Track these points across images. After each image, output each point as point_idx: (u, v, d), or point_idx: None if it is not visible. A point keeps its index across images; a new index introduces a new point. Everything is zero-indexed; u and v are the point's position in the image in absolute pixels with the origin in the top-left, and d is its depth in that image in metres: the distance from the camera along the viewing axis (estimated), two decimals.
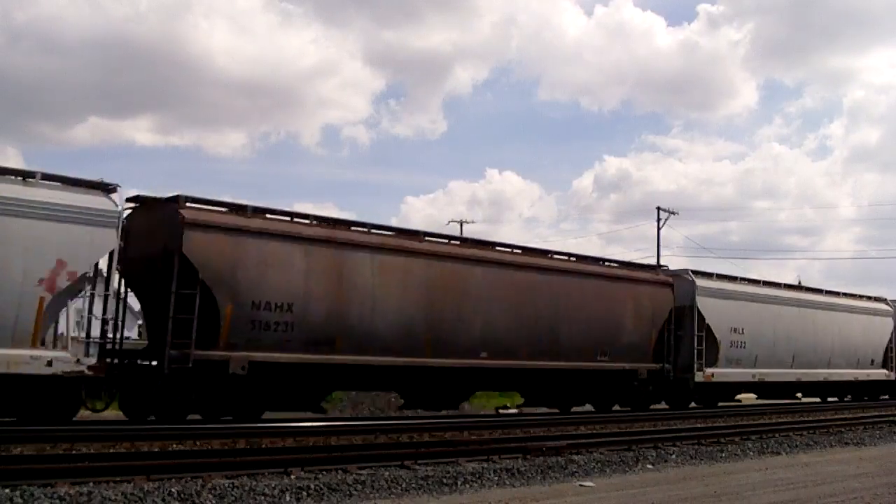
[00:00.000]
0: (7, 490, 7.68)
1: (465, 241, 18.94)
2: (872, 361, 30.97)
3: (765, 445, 14.67)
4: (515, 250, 19.71)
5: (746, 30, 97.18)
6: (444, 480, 9.69)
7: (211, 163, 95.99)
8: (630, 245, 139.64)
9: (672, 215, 48.87)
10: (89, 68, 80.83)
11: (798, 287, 29.17)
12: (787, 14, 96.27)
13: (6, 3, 73.94)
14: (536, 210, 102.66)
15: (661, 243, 48.77)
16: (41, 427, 12.51)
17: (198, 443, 12.28)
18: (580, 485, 10.09)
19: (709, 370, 23.19)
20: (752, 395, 29.31)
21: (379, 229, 17.14)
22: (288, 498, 8.44)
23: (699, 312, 23.16)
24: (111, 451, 11.11)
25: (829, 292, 30.28)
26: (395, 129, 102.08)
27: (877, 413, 23.21)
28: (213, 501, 8.10)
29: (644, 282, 22.18)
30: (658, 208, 48.78)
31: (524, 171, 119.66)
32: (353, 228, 16.55)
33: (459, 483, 9.69)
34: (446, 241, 18.57)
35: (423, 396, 18.44)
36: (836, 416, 21.40)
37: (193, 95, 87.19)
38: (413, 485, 9.39)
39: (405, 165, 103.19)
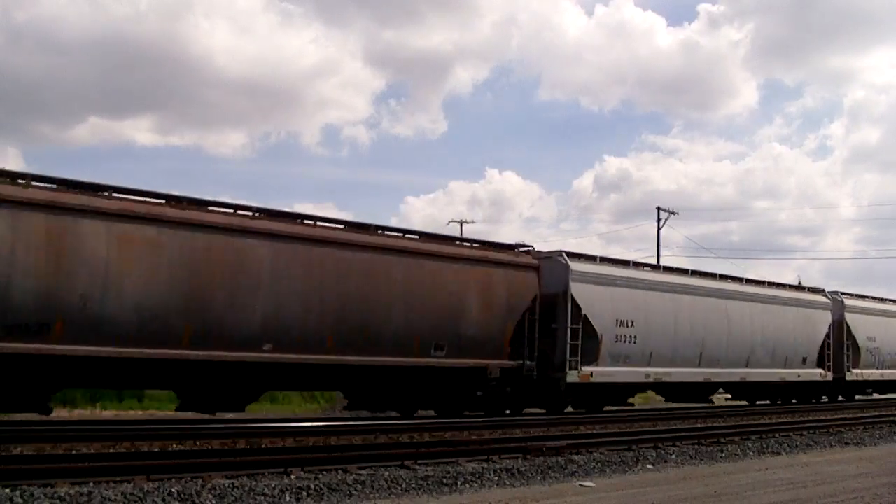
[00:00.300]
0: (7, 490, 7.68)
1: (251, 211, 15.29)
2: (805, 360, 27.50)
3: (765, 445, 14.67)
4: (322, 223, 16.29)
5: (747, 29, 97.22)
6: (444, 480, 9.69)
7: (211, 163, 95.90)
8: (630, 245, 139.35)
9: (672, 215, 48.92)
10: (89, 68, 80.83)
11: (709, 274, 25.38)
12: (788, 14, 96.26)
13: (6, 2, 73.96)
14: (536, 210, 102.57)
15: (662, 243, 48.69)
16: (41, 427, 12.51)
17: (198, 443, 12.30)
18: (580, 485, 10.09)
19: (587, 369, 19.82)
20: (661, 398, 26.19)
21: (125, 193, 13.92)
22: (288, 498, 8.44)
23: (574, 301, 19.72)
24: (111, 451, 11.12)
25: (750, 281, 26.86)
26: (395, 129, 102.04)
27: (877, 413, 23.22)
28: (213, 501, 8.10)
29: (498, 263, 18.59)
30: (658, 208, 48.83)
31: (524, 171, 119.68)
32: (99, 194, 13.64)
33: (459, 483, 9.70)
34: (231, 210, 15.14)
35: (195, 396, 15.18)
36: (836, 416, 21.40)
37: (194, 95, 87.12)
38: (413, 485, 9.39)
39: (405, 165, 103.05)
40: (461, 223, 52.49)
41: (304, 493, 8.62)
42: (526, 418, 18.84)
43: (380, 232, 17.10)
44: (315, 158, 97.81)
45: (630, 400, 22.86)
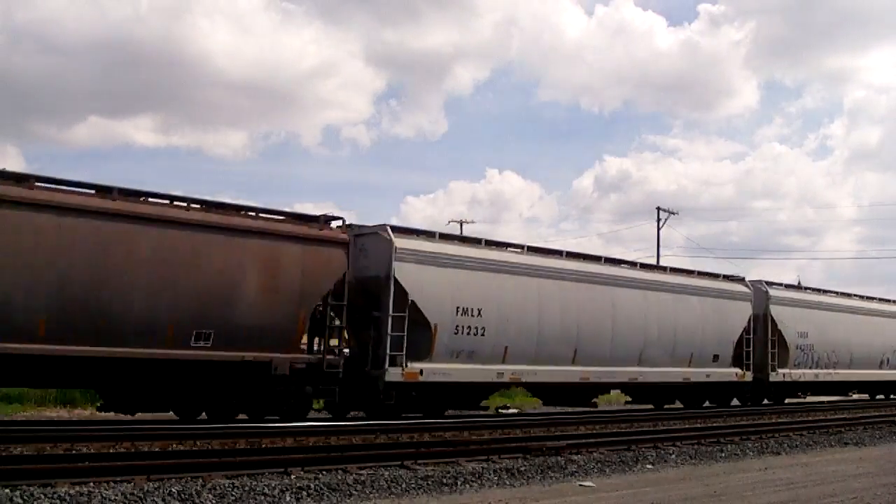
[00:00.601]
0: (7, 490, 7.69)
1: None
2: (716, 357, 23.83)
3: (765, 445, 14.68)
4: (42, 184, 13.13)
5: (747, 29, 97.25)
6: (444, 480, 9.70)
7: (211, 163, 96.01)
8: (630, 245, 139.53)
9: (672, 215, 48.98)
10: (90, 68, 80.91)
11: (591, 257, 21.91)
12: (788, 14, 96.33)
13: (7, 3, 74.02)
14: (536, 210, 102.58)
15: (662, 244, 48.70)
16: (41, 427, 12.51)
17: (198, 443, 12.29)
18: (580, 485, 10.09)
19: (415, 365, 16.71)
20: (539, 401, 22.33)
21: None
22: (288, 498, 8.44)
23: (398, 284, 16.60)
24: (111, 451, 11.12)
25: (646, 266, 23.58)
26: (395, 129, 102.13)
27: (877, 413, 23.22)
28: (213, 501, 8.11)
29: (288, 237, 15.38)
30: (658, 208, 48.86)
31: (524, 171, 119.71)
32: None
33: (459, 483, 9.70)
34: None
35: None
36: (837, 416, 21.42)
37: (194, 95, 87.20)
38: (413, 485, 9.40)
39: (405, 165, 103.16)
40: (461, 223, 52.41)
41: (304, 493, 8.63)
42: (526, 418, 18.83)
43: (143, 198, 14.20)
44: (315, 158, 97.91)
45: (485, 403, 19.56)
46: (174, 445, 11.95)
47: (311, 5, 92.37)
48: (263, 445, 12.14)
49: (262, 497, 8.36)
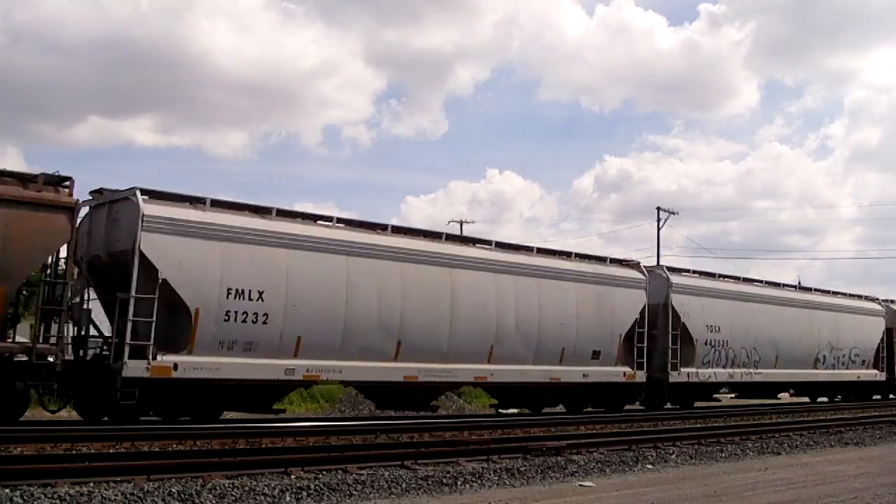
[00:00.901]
0: (7, 490, 7.69)
1: None
2: (596, 354, 20.32)
3: (765, 445, 14.68)
4: None
5: (748, 29, 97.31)
6: (444, 480, 9.70)
7: (212, 163, 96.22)
8: (630, 245, 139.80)
9: (672, 215, 49.02)
10: (90, 68, 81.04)
11: (431, 233, 18.74)
12: (789, 14, 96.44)
13: (7, 2, 74.11)
14: (537, 210, 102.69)
15: (662, 243, 48.67)
16: (41, 427, 12.50)
17: (198, 443, 12.30)
18: (580, 485, 10.09)
19: (168, 358, 13.76)
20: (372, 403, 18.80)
21: None
22: (288, 498, 8.44)
23: (145, 260, 13.77)
24: (111, 451, 11.13)
25: (503, 245, 19.61)
26: (395, 129, 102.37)
27: (877, 413, 23.20)
28: (213, 501, 8.11)
29: None
30: (658, 208, 48.88)
31: (524, 171, 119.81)
32: None
33: (459, 483, 9.70)
34: None
35: None
36: (836, 416, 21.42)
37: (194, 95, 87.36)
38: (413, 485, 9.40)
39: (405, 165, 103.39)
40: (461, 223, 52.39)
41: (304, 493, 8.63)
42: (526, 418, 18.81)
43: None
44: (316, 158, 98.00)
45: (278, 407, 16.02)
46: (174, 445, 11.96)
47: (312, 5, 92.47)
48: (263, 445, 12.15)
49: (262, 497, 8.36)
